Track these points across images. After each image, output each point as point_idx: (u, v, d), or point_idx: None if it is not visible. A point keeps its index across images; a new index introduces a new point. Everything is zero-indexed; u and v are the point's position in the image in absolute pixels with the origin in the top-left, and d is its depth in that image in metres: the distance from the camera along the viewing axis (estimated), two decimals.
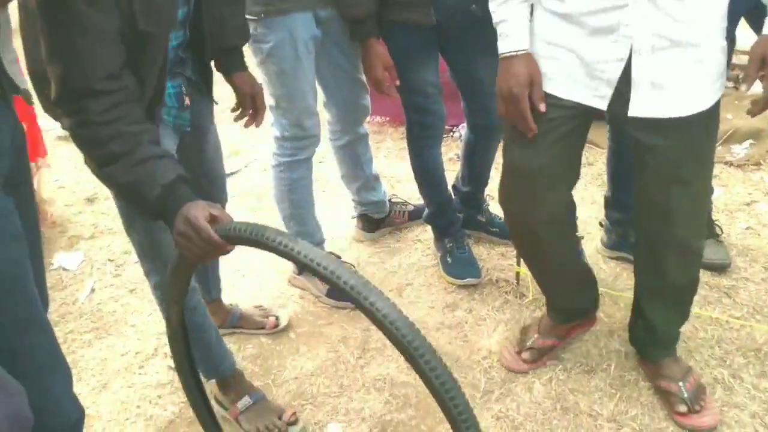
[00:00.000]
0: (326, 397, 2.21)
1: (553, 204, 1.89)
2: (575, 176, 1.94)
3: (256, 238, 1.23)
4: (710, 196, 2.22)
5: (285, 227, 2.59)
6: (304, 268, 1.20)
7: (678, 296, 1.99)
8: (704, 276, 2.56)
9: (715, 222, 2.68)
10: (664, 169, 1.75)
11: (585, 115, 1.78)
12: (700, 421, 1.96)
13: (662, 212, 1.81)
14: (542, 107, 1.73)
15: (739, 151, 3.36)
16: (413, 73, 2.36)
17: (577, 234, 2.59)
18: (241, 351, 2.42)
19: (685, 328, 2.28)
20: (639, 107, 1.67)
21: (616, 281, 2.62)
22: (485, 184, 2.81)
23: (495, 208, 2.69)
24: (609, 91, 1.67)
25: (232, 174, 3.65)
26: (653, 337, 2.07)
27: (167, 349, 2.37)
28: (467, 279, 2.62)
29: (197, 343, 2.00)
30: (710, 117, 1.70)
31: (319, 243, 2.62)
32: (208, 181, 2.02)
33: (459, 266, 2.66)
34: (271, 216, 3.19)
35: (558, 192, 1.89)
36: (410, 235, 3.01)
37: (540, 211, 1.88)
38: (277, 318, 2.50)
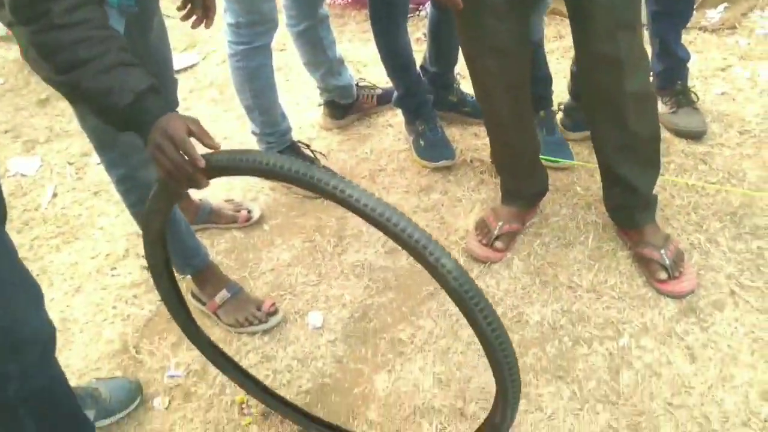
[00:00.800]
0: (305, 286, 2.18)
1: (505, 34, 1.85)
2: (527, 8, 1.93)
3: (245, 164, 1.18)
4: None
5: (248, 118, 2.49)
6: (312, 190, 1.15)
7: (645, 148, 1.96)
8: (680, 144, 2.54)
9: (691, 89, 2.63)
10: (609, 16, 1.72)
11: None
12: (680, 287, 1.98)
13: (613, 62, 1.77)
14: None
15: (714, 15, 3.27)
16: None
17: (552, 108, 2.54)
18: (215, 246, 2.37)
19: (662, 197, 2.28)
20: None
21: (591, 155, 2.58)
22: (454, 62, 2.70)
23: (467, 87, 2.61)
24: None
25: (190, 67, 3.49)
26: (633, 198, 2.05)
27: (139, 249, 2.32)
28: (441, 161, 2.56)
29: (169, 239, 1.95)
30: None
31: (285, 133, 2.52)
32: (154, 67, 1.88)
33: (432, 148, 2.59)
34: (235, 107, 3.08)
35: (509, 22, 1.84)
36: (380, 120, 2.92)
37: (491, 40, 1.85)
38: (249, 211, 2.44)
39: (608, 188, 2.10)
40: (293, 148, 2.55)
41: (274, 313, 2.04)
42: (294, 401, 1.81)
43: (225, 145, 2.68)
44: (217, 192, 2.54)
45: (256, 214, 2.44)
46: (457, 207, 2.41)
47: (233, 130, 2.97)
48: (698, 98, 2.64)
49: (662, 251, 2.01)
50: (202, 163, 1.21)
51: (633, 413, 1.71)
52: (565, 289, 2.06)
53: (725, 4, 3.33)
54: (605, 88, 1.84)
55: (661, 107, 2.55)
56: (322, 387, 1.88)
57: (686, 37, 2.91)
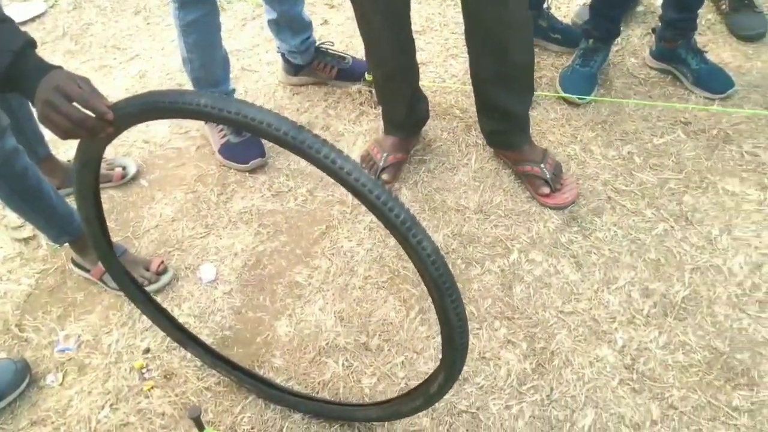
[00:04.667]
0: (193, 239, 2.12)
1: None
2: None
3: (165, 107, 1.07)
4: None
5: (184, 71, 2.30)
6: (236, 126, 1.06)
7: (523, 75, 1.99)
8: (549, 58, 2.59)
9: None
10: None
11: None
12: (562, 198, 2.05)
13: None
14: None
15: None
16: None
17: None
18: None
19: (537, 112, 2.33)
20: None
21: (466, 75, 2.60)
22: None
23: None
24: None
25: (37, 17, 3.22)
26: (510, 123, 2.08)
27: (6, 221, 2.17)
28: None
29: (38, 208, 1.82)
30: None
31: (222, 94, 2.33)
32: None
33: None
34: (91, 59, 2.89)
35: None
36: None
37: None
38: (123, 168, 2.32)
39: (485, 115, 2.13)
40: None
41: (164, 271, 1.97)
42: (195, 359, 1.78)
43: None
44: None
45: (131, 170, 2.32)
46: (339, 141, 2.38)
47: (95, 82, 2.77)
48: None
49: (542, 166, 2.07)
50: (110, 116, 1.11)
51: (528, 325, 1.78)
52: (453, 213, 2.09)
53: None
54: (488, 18, 1.82)
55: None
56: (223, 340, 1.85)
57: None
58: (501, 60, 1.91)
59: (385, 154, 2.16)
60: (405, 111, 2.15)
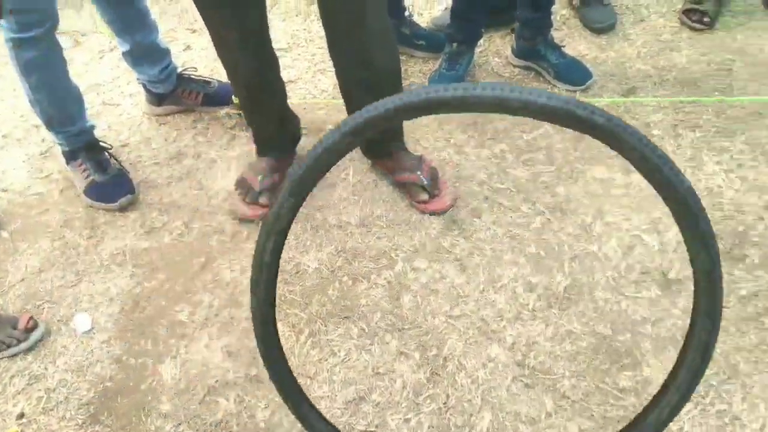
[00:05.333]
0: (63, 289, 1.99)
1: None
2: None
3: None
4: None
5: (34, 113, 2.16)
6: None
7: (390, 81, 1.98)
8: (416, 65, 2.62)
9: None
10: None
11: None
12: (441, 203, 2.06)
13: (356, 4, 1.75)
14: None
15: None
16: None
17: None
18: None
19: (409, 120, 2.32)
20: None
21: (336, 89, 2.58)
22: None
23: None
24: None
25: None
26: (383, 131, 2.07)
27: None
28: None
29: None
30: None
31: (80, 132, 2.21)
32: None
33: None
34: None
35: None
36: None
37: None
38: None
39: None
40: (89, 149, 2.24)
41: (34, 327, 1.85)
42: (76, 417, 1.67)
43: None
44: None
45: None
46: (213, 168, 2.31)
47: None
48: None
49: (418, 173, 2.07)
50: None
51: (419, 334, 1.78)
52: (336, 230, 2.06)
53: None
54: (347, 28, 1.81)
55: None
56: (105, 392, 1.75)
57: None
58: (365, 69, 1.90)
59: (261, 177, 2.11)
60: (275, 130, 2.11)
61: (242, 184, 2.13)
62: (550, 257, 1.91)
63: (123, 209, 2.19)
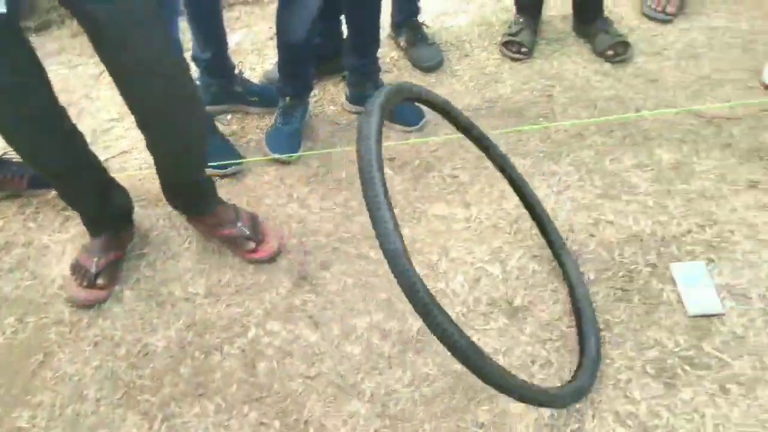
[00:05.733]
0: None
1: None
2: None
3: None
4: None
5: None
6: None
7: (196, 148, 1.92)
8: (253, 121, 2.59)
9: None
10: (113, 31, 1.56)
11: None
12: (269, 248, 2.06)
13: (136, 66, 1.64)
14: None
15: None
16: None
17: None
18: None
19: (249, 179, 2.32)
20: None
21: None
22: (226, 44, 2.53)
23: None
24: None
25: None
26: (191, 192, 2.05)
27: None
28: None
29: None
30: None
31: None
32: None
33: None
34: None
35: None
36: None
37: None
38: None
39: (168, 191, 2.06)
40: None
41: None
42: None
43: None
44: None
45: None
46: (46, 255, 2.18)
47: None
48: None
49: (239, 224, 2.06)
50: None
51: (278, 401, 1.73)
52: (183, 303, 1.99)
53: None
54: (143, 97, 1.72)
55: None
56: None
57: (232, 14, 2.97)
58: (172, 138, 1.84)
59: (96, 258, 2.01)
60: (98, 206, 2.00)
61: (77, 269, 2.02)
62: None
63: None
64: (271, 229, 2.10)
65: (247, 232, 2.03)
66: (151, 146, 1.88)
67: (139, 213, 2.22)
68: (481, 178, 2.28)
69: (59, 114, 1.79)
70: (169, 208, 2.27)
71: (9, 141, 1.76)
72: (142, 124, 1.80)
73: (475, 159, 2.34)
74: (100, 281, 2.00)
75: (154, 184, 2.37)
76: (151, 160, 2.45)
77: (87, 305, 1.99)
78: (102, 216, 2.03)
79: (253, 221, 2.07)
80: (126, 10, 1.53)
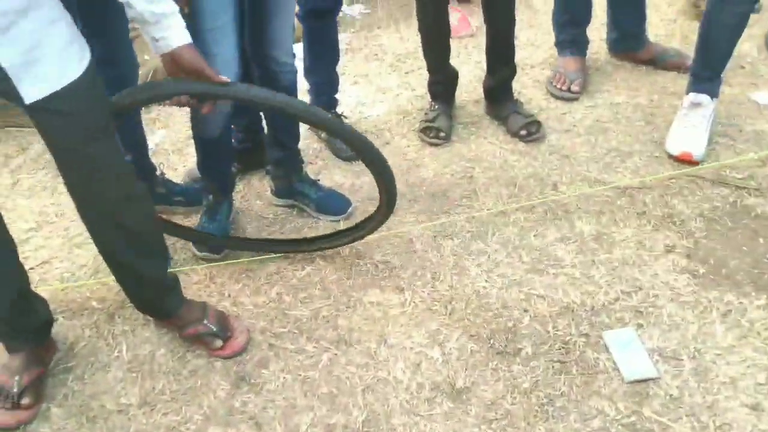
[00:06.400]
0: None
1: None
2: None
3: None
4: None
5: None
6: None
7: (147, 241, 1.92)
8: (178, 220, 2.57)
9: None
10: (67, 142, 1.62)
11: None
12: (237, 344, 2.04)
13: (84, 168, 1.69)
14: None
15: None
16: None
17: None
18: None
19: (182, 278, 2.26)
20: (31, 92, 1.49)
21: (96, 262, 2.45)
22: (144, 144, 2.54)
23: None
24: None
25: None
26: (152, 290, 2.01)
27: None
28: None
29: None
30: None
31: None
32: None
33: None
34: None
35: None
36: None
37: None
38: None
39: (126, 289, 2.02)
40: None
41: None
42: None
43: None
44: None
45: None
46: None
47: None
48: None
49: (205, 322, 2.02)
50: None
51: None
52: (116, 416, 1.90)
53: None
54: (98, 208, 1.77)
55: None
56: None
57: (150, 116, 2.97)
58: (119, 229, 1.82)
59: (18, 378, 1.90)
60: (17, 322, 1.90)
61: None
62: (343, 393, 1.90)
63: None
64: (238, 324, 2.07)
65: (214, 329, 2.00)
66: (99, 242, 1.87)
67: (63, 324, 2.14)
68: (413, 262, 2.30)
69: None
70: (95, 317, 2.21)
71: None
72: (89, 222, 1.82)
73: (405, 244, 2.38)
74: (24, 401, 1.88)
75: (78, 294, 2.30)
76: (74, 267, 2.41)
77: (10, 429, 1.87)
78: (19, 331, 1.93)
79: (220, 318, 2.04)
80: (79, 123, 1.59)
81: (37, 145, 3.08)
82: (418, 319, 2.10)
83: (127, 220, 1.80)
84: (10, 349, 1.94)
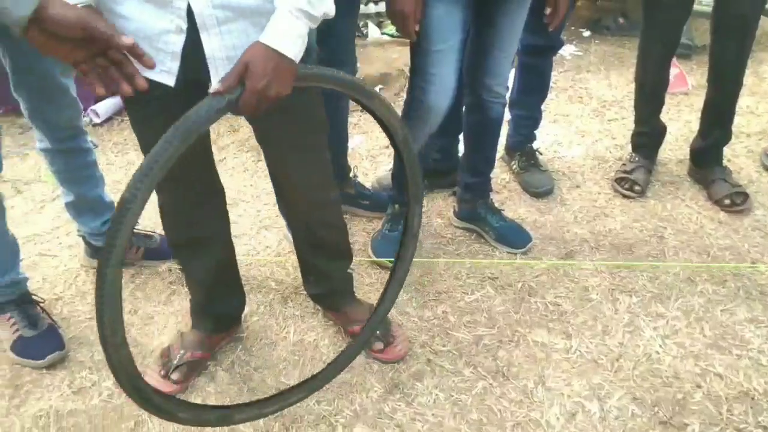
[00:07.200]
0: None
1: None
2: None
3: None
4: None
5: None
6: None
7: (335, 244, 2.01)
8: (360, 223, 2.66)
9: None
10: (283, 141, 1.72)
11: (185, 93, 1.45)
12: (395, 352, 2.07)
13: (289, 182, 1.82)
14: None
15: None
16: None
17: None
18: None
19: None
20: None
21: (281, 246, 2.60)
22: (346, 147, 2.66)
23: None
24: (175, 65, 1.43)
25: None
26: (330, 285, 2.10)
27: None
28: None
29: None
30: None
31: (12, 284, 2.14)
32: None
33: None
34: None
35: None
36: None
37: None
38: None
39: (306, 279, 2.14)
40: (19, 303, 2.16)
41: None
42: None
43: None
44: None
45: None
46: (149, 325, 2.25)
47: None
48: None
49: None
50: None
51: None
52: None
53: (380, 86, 3.62)
54: (294, 202, 1.88)
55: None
56: None
57: (351, 120, 3.11)
58: (311, 233, 1.94)
59: (182, 352, 2.03)
60: (209, 300, 2.03)
61: (165, 353, 2.06)
62: (492, 424, 1.87)
63: (51, 367, 2.09)
64: (401, 333, 2.11)
65: (377, 333, 2.05)
66: (295, 237, 2.04)
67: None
68: (585, 311, 2.23)
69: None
70: (271, 296, 2.33)
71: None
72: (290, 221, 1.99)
73: (580, 290, 2.31)
74: (174, 376, 2.00)
75: (259, 272, 2.44)
76: (260, 246, 2.56)
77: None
78: (210, 313, 2.06)
79: (385, 323, 2.08)
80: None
81: (246, 129, 3.31)
82: (581, 368, 2.03)
83: (318, 228, 1.92)
84: (194, 325, 2.09)
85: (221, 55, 1.41)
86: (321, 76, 1.47)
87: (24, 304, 2.16)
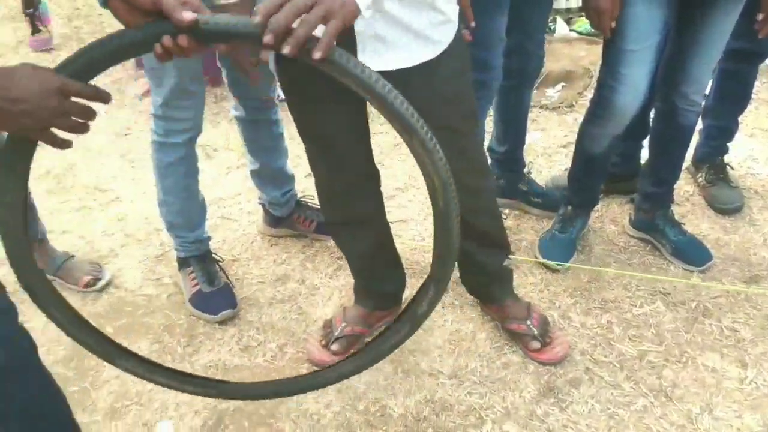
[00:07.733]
0: (153, 393, 2.01)
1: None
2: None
3: None
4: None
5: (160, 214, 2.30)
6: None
7: (491, 234, 1.96)
8: (529, 221, 2.61)
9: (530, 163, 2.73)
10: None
11: None
12: (553, 353, 2.02)
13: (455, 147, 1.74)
14: None
15: (553, 94, 3.46)
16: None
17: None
18: (52, 354, 2.15)
19: (515, 275, 2.29)
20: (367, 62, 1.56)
21: None
22: (523, 141, 2.64)
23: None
24: None
25: None
26: (488, 277, 2.07)
27: None
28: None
29: None
30: (441, 62, 1.55)
31: (197, 240, 2.32)
32: None
33: None
34: (70, 200, 2.91)
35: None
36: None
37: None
38: (95, 279, 2.40)
39: (463, 269, 2.11)
40: (201, 259, 2.33)
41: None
42: None
43: (65, 240, 2.48)
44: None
45: (103, 281, 2.41)
46: (315, 296, 2.34)
47: (73, 223, 2.77)
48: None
49: (528, 322, 2.04)
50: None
51: None
52: (427, 377, 2.01)
53: (563, 83, 3.53)
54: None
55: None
56: None
57: (529, 115, 3.05)
58: (464, 224, 1.90)
59: (343, 325, 2.09)
60: (371, 278, 2.08)
61: (328, 325, 2.13)
62: None
63: (222, 323, 2.23)
64: (560, 336, 2.07)
65: (535, 332, 2.02)
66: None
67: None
68: (767, 341, 2.06)
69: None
70: None
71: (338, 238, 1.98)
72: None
73: (763, 318, 2.14)
74: (333, 347, 2.06)
75: (423, 257, 2.46)
76: (426, 233, 2.58)
77: (314, 364, 2.07)
78: (372, 291, 2.12)
79: (543, 323, 2.05)
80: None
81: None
82: (756, 401, 1.88)
83: (478, 208, 1.86)
84: (357, 300, 2.15)
85: (368, 32, 1.43)
86: (354, 76, 1.09)
87: (205, 261, 2.32)
